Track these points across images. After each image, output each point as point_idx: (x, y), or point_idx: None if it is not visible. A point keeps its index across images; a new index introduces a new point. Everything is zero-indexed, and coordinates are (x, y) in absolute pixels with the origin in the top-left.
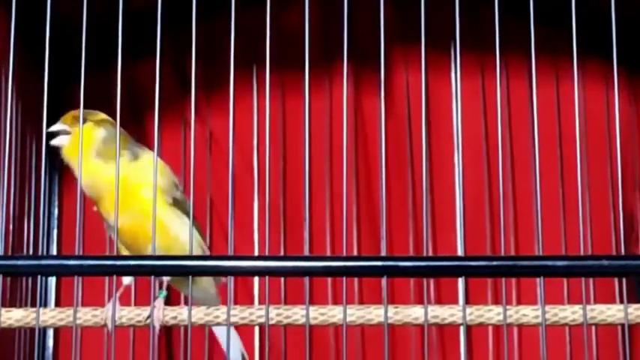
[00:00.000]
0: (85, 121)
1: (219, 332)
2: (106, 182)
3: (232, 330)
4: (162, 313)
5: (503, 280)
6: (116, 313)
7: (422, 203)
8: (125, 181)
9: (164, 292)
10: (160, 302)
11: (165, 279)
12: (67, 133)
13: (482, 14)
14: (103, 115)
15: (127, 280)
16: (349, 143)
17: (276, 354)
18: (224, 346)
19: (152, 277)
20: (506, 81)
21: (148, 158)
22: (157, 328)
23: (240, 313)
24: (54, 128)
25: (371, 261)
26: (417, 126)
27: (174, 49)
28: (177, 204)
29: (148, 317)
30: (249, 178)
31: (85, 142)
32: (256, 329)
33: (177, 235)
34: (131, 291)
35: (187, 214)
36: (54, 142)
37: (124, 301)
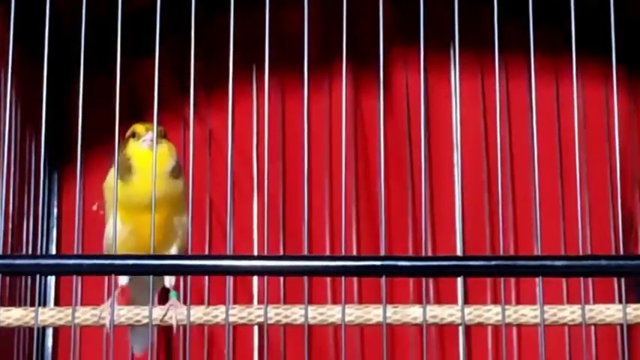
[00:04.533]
0: (164, 136)
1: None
2: (169, 197)
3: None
4: (179, 312)
5: (502, 280)
6: (114, 313)
7: (421, 203)
8: (179, 195)
9: (175, 293)
10: (175, 301)
11: (168, 279)
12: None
13: (482, 14)
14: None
15: (123, 280)
16: (348, 143)
17: (275, 354)
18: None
19: (152, 277)
20: (505, 81)
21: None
22: (175, 325)
23: (239, 313)
24: (149, 137)
25: (370, 261)
26: (417, 126)
27: (173, 49)
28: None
29: (164, 316)
30: (248, 178)
31: (168, 156)
32: (255, 329)
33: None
34: (124, 288)
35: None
36: (147, 144)
37: (125, 301)
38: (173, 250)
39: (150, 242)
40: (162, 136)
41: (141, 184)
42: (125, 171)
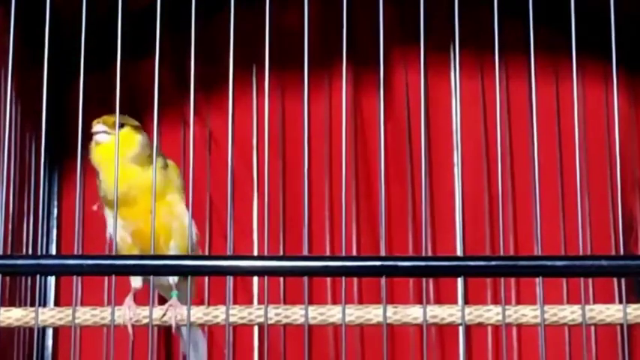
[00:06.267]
0: (122, 126)
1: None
2: (141, 187)
3: (200, 333)
4: (178, 312)
5: (503, 280)
6: (115, 312)
7: (421, 203)
8: (157, 186)
9: (176, 292)
10: (175, 301)
11: (172, 279)
12: (107, 134)
13: (482, 14)
14: (137, 122)
15: (136, 283)
16: (348, 143)
17: (275, 354)
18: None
19: (152, 277)
20: (505, 81)
21: (172, 165)
22: (174, 326)
23: (240, 313)
24: (97, 129)
25: (370, 261)
26: (417, 126)
27: (173, 49)
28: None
29: (164, 316)
30: (248, 178)
31: (124, 147)
32: (255, 329)
33: (189, 234)
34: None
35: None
36: (97, 137)
37: (123, 301)
38: (173, 244)
39: (145, 237)
40: (120, 125)
41: (104, 178)
42: (96, 169)
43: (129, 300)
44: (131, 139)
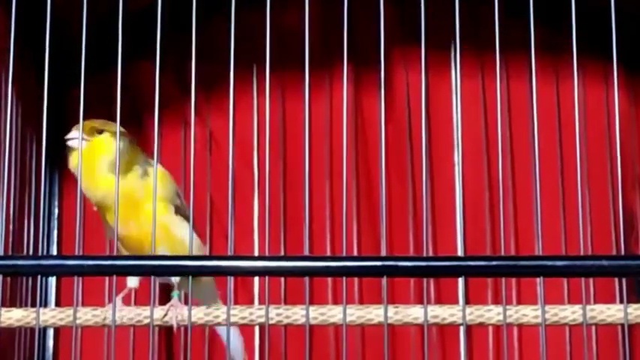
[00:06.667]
0: (101, 132)
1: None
2: (126, 194)
3: (237, 332)
4: (179, 312)
5: (503, 280)
6: (117, 312)
7: (422, 203)
8: (134, 194)
9: (177, 292)
10: (176, 302)
11: (174, 279)
12: (85, 140)
13: (483, 14)
14: (120, 128)
15: (132, 282)
16: (349, 143)
17: (276, 354)
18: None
19: (152, 277)
20: (506, 81)
21: (161, 172)
22: (175, 326)
23: (240, 313)
24: (71, 136)
25: (370, 261)
26: (417, 126)
27: (173, 49)
28: (179, 211)
29: (165, 316)
30: (249, 179)
31: (100, 153)
32: (256, 329)
33: (182, 240)
34: (132, 291)
35: (187, 219)
36: (70, 144)
37: (125, 301)
38: (161, 251)
39: (129, 243)
40: (98, 132)
41: (83, 184)
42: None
43: (118, 301)
44: (108, 145)
